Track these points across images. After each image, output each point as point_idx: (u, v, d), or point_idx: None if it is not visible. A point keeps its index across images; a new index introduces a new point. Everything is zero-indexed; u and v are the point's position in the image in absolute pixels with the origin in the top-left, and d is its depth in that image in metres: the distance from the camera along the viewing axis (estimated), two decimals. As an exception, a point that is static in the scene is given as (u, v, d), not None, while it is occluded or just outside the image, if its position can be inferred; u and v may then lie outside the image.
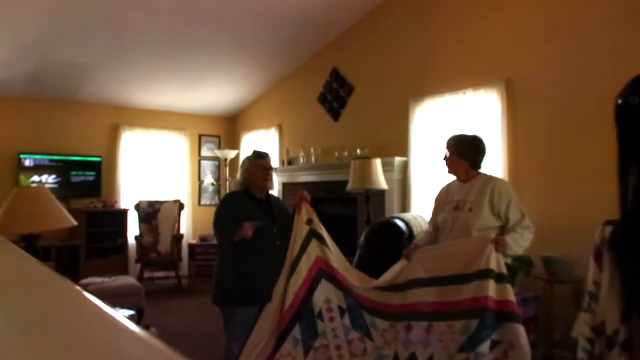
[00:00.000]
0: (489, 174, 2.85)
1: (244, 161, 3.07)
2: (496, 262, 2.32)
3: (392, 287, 2.59)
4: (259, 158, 3.02)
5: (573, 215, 3.49)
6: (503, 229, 2.65)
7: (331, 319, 2.61)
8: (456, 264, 2.41)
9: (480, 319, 2.21)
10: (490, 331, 2.19)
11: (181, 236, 6.80)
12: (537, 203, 3.67)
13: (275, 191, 6.23)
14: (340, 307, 2.62)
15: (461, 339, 2.24)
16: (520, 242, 2.55)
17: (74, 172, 6.52)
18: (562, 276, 3.26)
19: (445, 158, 2.83)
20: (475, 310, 2.25)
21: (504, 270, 2.33)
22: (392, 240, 3.76)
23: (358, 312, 2.60)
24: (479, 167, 2.82)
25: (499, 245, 2.39)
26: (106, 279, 4.70)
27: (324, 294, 2.65)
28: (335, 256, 2.76)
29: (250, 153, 3.12)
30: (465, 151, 2.77)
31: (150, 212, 6.64)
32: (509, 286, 2.30)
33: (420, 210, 4.46)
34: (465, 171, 2.79)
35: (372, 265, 2.97)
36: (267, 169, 3.01)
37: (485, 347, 2.17)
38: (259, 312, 2.72)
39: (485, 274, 2.29)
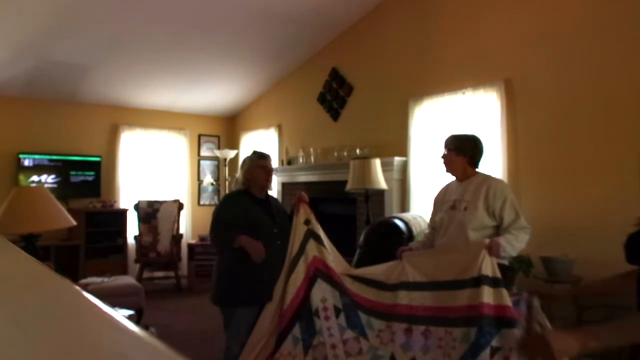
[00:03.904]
0: (486, 173, 2.85)
1: (244, 160, 3.08)
2: (491, 267, 2.31)
3: (384, 287, 2.58)
4: (261, 159, 3.02)
5: (572, 215, 3.49)
6: (499, 229, 2.65)
7: (327, 318, 2.60)
8: (453, 269, 2.41)
9: (477, 327, 2.21)
10: (489, 338, 2.18)
11: (180, 236, 6.80)
12: (536, 203, 3.67)
13: (274, 191, 6.23)
14: (335, 307, 2.62)
15: (462, 347, 2.23)
16: (515, 244, 2.54)
17: (73, 172, 6.51)
18: (562, 276, 3.26)
19: (443, 156, 2.83)
20: (472, 318, 2.24)
21: (499, 274, 2.32)
22: (391, 240, 3.76)
23: (354, 312, 2.59)
24: (477, 166, 2.82)
25: (492, 248, 2.38)
26: (105, 279, 4.70)
27: (321, 293, 2.65)
28: (332, 256, 2.76)
29: (250, 153, 3.12)
30: (462, 147, 2.77)
31: (149, 212, 6.64)
32: (504, 291, 2.28)
33: (420, 210, 4.46)
34: (463, 169, 2.78)
35: (371, 265, 2.96)
36: (269, 170, 3.02)
37: (485, 355, 2.16)
38: (259, 311, 2.72)
39: (479, 281, 2.28)
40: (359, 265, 3.59)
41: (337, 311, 2.61)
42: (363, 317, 2.56)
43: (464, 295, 2.31)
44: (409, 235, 3.82)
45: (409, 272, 2.52)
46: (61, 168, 6.43)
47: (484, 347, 2.17)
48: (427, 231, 3.01)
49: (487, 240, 2.42)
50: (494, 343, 2.18)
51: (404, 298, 2.48)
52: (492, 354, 2.17)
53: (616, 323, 1.24)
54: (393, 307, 2.50)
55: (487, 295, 2.24)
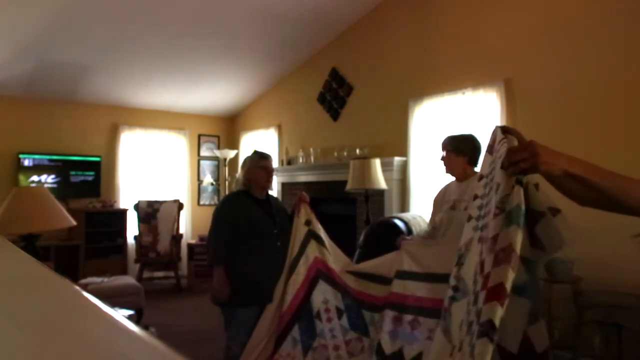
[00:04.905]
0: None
1: (245, 161, 3.07)
2: None
3: (386, 281, 2.58)
4: (262, 159, 3.02)
5: (572, 215, 3.48)
6: None
7: (329, 319, 2.60)
8: (451, 263, 2.40)
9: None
10: None
11: (180, 236, 6.80)
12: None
13: (274, 191, 6.23)
14: (338, 309, 2.62)
15: None
16: None
17: (73, 172, 6.51)
18: (562, 276, 3.26)
19: (442, 158, 2.84)
20: None
21: None
22: (391, 240, 3.76)
23: (356, 313, 2.59)
24: (476, 164, 2.82)
25: None
26: (105, 279, 4.70)
27: (322, 295, 2.65)
28: (333, 257, 2.75)
29: (251, 153, 3.12)
30: (461, 147, 2.78)
31: (149, 212, 6.64)
32: None
33: (420, 210, 4.46)
34: (463, 169, 2.79)
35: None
36: (270, 171, 3.02)
37: None
38: (260, 312, 2.72)
39: None
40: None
41: (339, 312, 2.61)
42: (367, 315, 2.55)
43: None
44: (409, 235, 3.81)
45: (405, 261, 2.51)
46: (61, 168, 6.42)
47: None
48: (428, 229, 3.00)
49: None
50: None
51: (397, 287, 2.48)
52: None
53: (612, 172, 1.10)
54: (388, 297, 2.49)
55: None
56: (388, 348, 2.37)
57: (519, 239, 1.09)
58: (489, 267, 1.12)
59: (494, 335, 1.02)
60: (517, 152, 1.14)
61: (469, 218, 1.51)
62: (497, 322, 1.03)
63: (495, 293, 1.06)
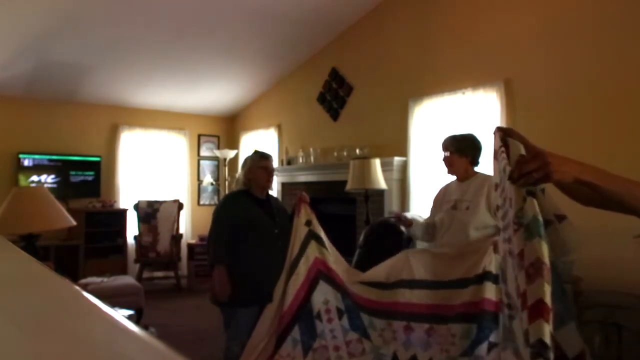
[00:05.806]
0: (486, 173, 2.85)
1: (246, 160, 3.07)
2: (495, 264, 2.31)
3: (384, 286, 2.58)
4: (263, 159, 3.02)
5: (572, 215, 3.48)
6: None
7: (329, 320, 2.60)
8: (459, 268, 2.41)
9: (477, 323, 2.21)
10: (487, 333, 2.18)
11: (180, 236, 6.80)
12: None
13: (274, 191, 6.23)
14: (338, 309, 2.62)
15: (463, 343, 2.23)
16: None
17: (73, 172, 6.51)
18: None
19: (445, 159, 2.84)
20: (473, 314, 2.24)
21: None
22: (391, 240, 3.76)
23: (356, 314, 2.59)
24: (478, 164, 2.82)
25: (497, 246, 2.39)
26: (105, 279, 4.70)
27: (323, 295, 2.64)
28: (333, 257, 2.75)
29: (251, 153, 3.12)
30: (464, 148, 2.78)
31: (149, 212, 6.64)
32: None
33: (420, 210, 4.45)
34: (464, 169, 2.79)
35: (371, 265, 2.96)
36: (270, 171, 3.02)
37: (482, 349, 2.16)
38: (260, 312, 2.72)
39: (482, 277, 2.28)
40: (358, 265, 3.58)
41: (340, 313, 2.61)
42: (365, 318, 2.56)
43: (467, 292, 2.31)
44: (409, 235, 3.81)
45: (415, 268, 2.51)
46: (61, 168, 6.43)
47: (482, 341, 2.18)
48: (428, 220, 2.98)
49: (495, 238, 2.42)
50: (491, 338, 2.18)
51: (402, 296, 2.48)
52: (489, 349, 2.17)
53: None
54: (393, 305, 2.50)
55: (489, 291, 2.25)
56: (403, 357, 2.39)
57: (544, 250, 1.05)
58: (523, 284, 1.09)
59: (549, 353, 0.98)
60: (528, 162, 1.10)
61: (499, 231, 1.49)
62: (547, 340, 0.99)
63: (537, 311, 1.01)
